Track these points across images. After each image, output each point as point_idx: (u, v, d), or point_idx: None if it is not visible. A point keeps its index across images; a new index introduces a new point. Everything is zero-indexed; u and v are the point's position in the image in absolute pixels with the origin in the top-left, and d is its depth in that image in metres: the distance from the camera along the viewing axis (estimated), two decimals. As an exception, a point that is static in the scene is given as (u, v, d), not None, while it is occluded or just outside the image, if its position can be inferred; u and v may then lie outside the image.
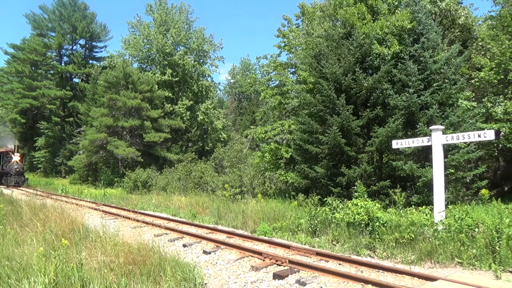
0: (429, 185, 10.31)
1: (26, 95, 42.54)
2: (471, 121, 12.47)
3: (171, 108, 33.63)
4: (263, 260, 6.77)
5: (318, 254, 7.19)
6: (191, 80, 36.20)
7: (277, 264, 6.49)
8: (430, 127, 8.89)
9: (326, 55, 13.97)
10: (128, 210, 14.77)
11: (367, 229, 8.28)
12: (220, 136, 38.33)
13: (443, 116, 11.95)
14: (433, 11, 17.79)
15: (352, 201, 9.18)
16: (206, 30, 50.08)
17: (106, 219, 12.23)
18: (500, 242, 6.30)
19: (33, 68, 44.78)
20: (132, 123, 28.81)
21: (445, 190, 8.85)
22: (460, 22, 18.55)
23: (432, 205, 8.56)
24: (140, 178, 24.27)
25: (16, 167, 32.85)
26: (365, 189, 9.54)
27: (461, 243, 6.81)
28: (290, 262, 6.40)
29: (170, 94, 33.64)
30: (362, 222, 8.40)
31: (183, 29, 36.23)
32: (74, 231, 7.64)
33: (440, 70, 12.30)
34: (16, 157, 33.87)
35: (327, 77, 13.44)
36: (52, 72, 46.40)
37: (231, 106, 54.50)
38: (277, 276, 5.81)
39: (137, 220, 11.79)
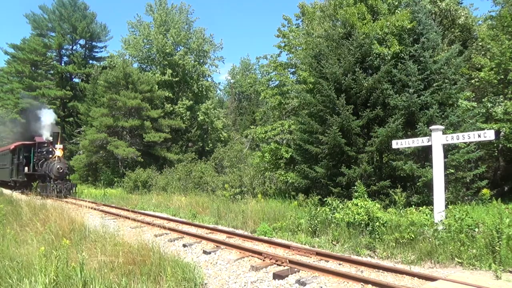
0: (429, 185, 10.31)
1: (26, 95, 42.51)
2: (471, 121, 12.47)
3: (171, 108, 33.63)
4: (263, 260, 6.77)
5: (318, 254, 7.19)
6: (191, 80, 36.20)
7: (277, 264, 6.49)
8: (430, 127, 8.89)
9: (326, 55, 13.98)
10: (128, 210, 14.78)
11: (367, 229, 8.28)
12: (221, 135, 38.32)
13: (443, 116, 11.95)
14: (433, 11, 17.81)
15: (352, 201, 9.18)
16: (206, 30, 50.07)
17: (106, 219, 12.23)
18: (500, 242, 6.30)
19: (33, 68, 44.75)
20: (132, 123, 28.81)
21: (445, 190, 8.85)
22: (460, 22, 18.55)
23: (432, 205, 8.56)
24: (140, 178, 24.27)
25: (58, 166, 21.28)
26: (365, 189, 9.54)
27: (461, 243, 6.81)
28: (290, 262, 6.40)
29: (170, 94, 33.65)
30: (362, 222, 8.41)
31: (183, 29, 36.25)
32: (74, 231, 7.65)
33: (440, 70, 12.31)
34: (57, 151, 21.93)
35: (327, 77, 13.45)
36: (52, 72, 46.38)
37: (231, 106, 54.49)
38: (277, 276, 5.82)
39: (137, 220, 11.81)
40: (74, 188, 22.00)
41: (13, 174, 25.65)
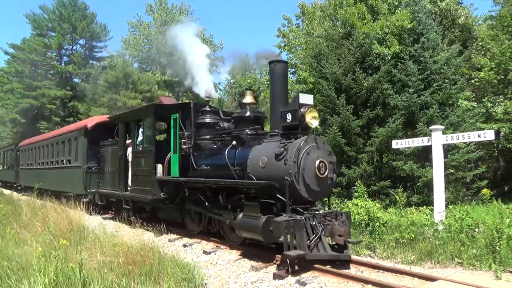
0: (429, 185, 10.31)
1: (26, 95, 42.55)
2: (471, 121, 12.49)
3: (171, 108, 33.68)
4: (264, 260, 6.75)
5: (318, 254, 7.13)
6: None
7: (277, 264, 6.47)
8: (430, 127, 8.88)
9: (326, 55, 13.98)
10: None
11: (367, 229, 8.27)
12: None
13: (443, 116, 11.96)
14: (433, 11, 17.81)
15: (352, 201, 9.18)
16: (206, 30, 50.08)
17: (106, 219, 12.21)
18: (501, 242, 6.29)
19: (33, 68, 44.77)
20: (132, 123, 28.79)
21: (445, 190, 8.84)
22: (460, 22, 18.57)
23: (432, 205, 8.56)
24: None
25: (319, 163, 6.32)
26: (365, 189, 9.53)
27: (461, 243, 6.80)
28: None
29: (170, 94, 33.67)
30: (362, 222, 8.39)
31: (183, 29, 36.28)
32: (74, 231, 7.64)
33: (440, 70, 12.31)
34: (312, 120, 6.47)
35: (327, 77, 13.45)
36: (52, 72, 46.37)
37: (231, 106, 54.48)
38: (277, 276, 5.80)
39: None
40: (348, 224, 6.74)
41: (102, 180, 12.16)
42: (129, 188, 10.24)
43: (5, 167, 27.57)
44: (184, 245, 8.23)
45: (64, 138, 15.42)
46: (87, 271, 4.65)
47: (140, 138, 10.12)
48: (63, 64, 46.84)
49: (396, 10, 14.90)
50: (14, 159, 24.08)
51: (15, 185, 22.85)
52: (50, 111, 45.47)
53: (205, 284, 5.60)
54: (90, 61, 48.30)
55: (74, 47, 48.37)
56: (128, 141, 10.58)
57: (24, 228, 7.82)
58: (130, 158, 10.28)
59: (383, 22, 13.82)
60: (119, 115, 11.85)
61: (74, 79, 48.33)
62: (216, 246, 8.03)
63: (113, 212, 10.24)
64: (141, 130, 10.15)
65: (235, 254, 7.37)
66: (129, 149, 10.42)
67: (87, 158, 13.13)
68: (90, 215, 11.68)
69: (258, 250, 7.14)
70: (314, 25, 17.44)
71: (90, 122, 13.69)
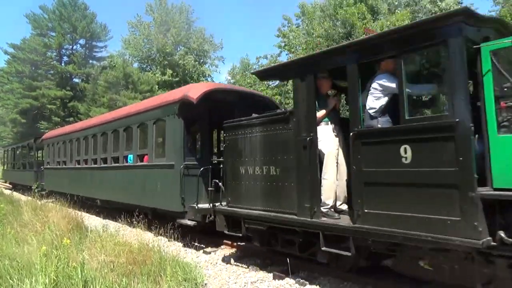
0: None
1: (26, 95, 42.60)
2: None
3: (171, 108, 33.72)
4: (264, 260, 6.76)
5: (318, 254, 7.11)
6: (191, 80, 36.29)
7: (277, 264, 6.48)
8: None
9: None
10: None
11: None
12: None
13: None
14: (433, 11, 17.83)
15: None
16: (206, 30, 50.24)
17: (106, 219, 12.22)
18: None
19: (33, 68, 44.82)
20: (132, 123, 28.81)
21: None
22: (460, 22, 18.59)
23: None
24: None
25: None
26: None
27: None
28: (290, 262, 6.38)
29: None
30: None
31: (183, 29, 36.35)
32: (74, 230, 7.65)
33: (440, 70, 12.34)
34: None
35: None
36: (52, 72, 46.43)
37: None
38: (277, 276, 5.81)
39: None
40: None
41: (230, 190, 6.55)
42: (324, 210, 5.25)
43: (18, 167, 23.36)
44: (184, 245, 8.10)
45: (133, 121, 9.86)
46: (88, 270, 4.67)
47: (374, 103, 4.84)
48: (63, 64, 46.89)
49: (396, 10, 14.93)
50: (32, 157, 20.09)
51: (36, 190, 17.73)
52: (50, 111, 45.53)
53: (205, 284, 5.61)
54: (90, 61, 48.36)
55: (74, 47, 48.42)
56: (319, 114, 5.49)
57: (25, 228, 7.84)
58: (327, 148, 5.41)
59: (383, 22, 13.84)
60: (297, 60, 6.04)
61: (74, 79, 48.39)
62: (217, 246, 7.87)
63: (238, 246, 6.90)
64: (380, 82, 4.81)
65: (235, 254, 7.39)
66: (322, 130, 5.47)
67: (184, 152, 8.22)
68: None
69: (258, 249, 7.15)
70: (314, 25, 17.45)
71: (192, 91, 7.88)
